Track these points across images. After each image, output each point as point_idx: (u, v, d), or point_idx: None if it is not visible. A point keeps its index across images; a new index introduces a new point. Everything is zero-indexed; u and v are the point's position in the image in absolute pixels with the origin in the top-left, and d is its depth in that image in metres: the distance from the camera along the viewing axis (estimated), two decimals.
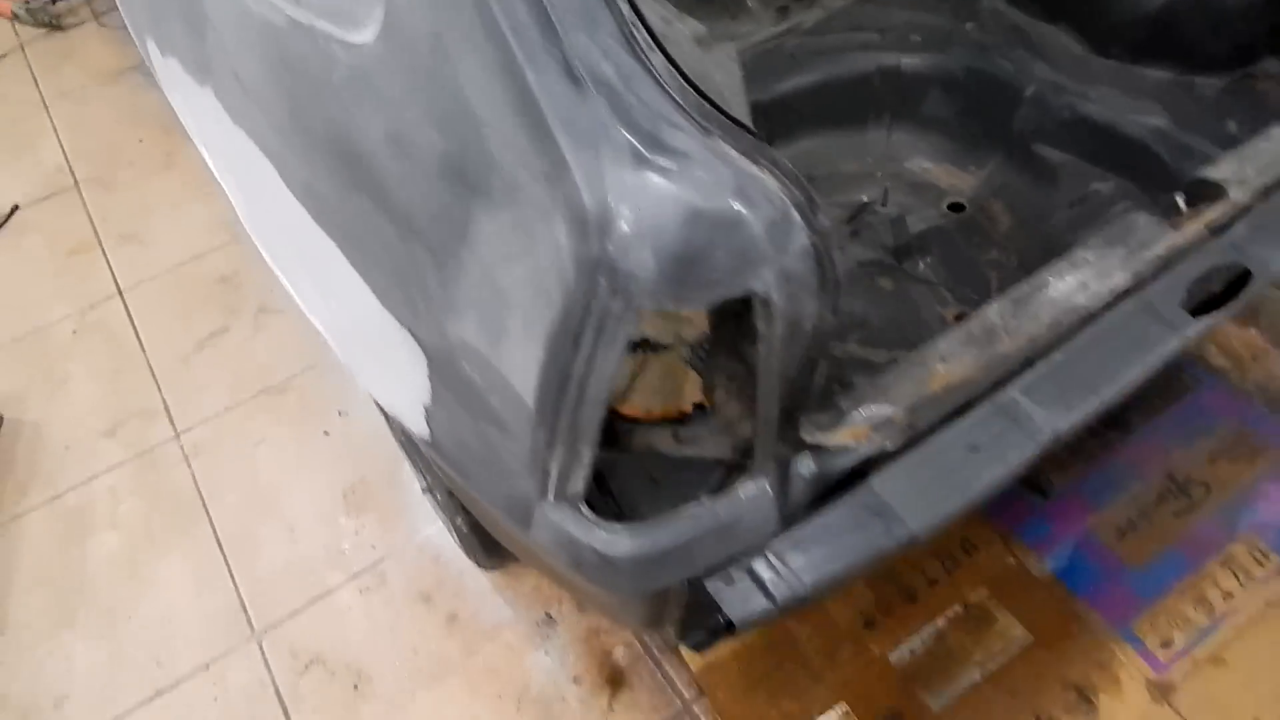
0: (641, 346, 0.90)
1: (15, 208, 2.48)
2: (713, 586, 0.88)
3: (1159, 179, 1.55)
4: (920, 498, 0.95)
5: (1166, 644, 1.55)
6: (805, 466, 0.88)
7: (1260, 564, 1.64)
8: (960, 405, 1.00)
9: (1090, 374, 1.04)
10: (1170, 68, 1.71)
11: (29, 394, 2.04)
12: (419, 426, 0.94)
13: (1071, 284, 1.03)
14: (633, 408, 0.93)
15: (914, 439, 0.97)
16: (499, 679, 1.57)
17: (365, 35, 0.74)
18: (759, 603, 0.88)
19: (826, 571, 0.90)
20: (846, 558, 0.91)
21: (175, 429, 1.96)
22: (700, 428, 0.89)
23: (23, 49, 3.05)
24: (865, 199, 1.76)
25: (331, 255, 0.94)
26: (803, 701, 1.52)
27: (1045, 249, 1.43)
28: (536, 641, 1.61)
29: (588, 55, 0.61)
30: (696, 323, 0.87)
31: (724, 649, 1.56)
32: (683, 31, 1.18)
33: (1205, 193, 1.12)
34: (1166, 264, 1.09)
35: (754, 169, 0.62)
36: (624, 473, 0.92)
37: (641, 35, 0.62)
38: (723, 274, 0.62)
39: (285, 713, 1.56)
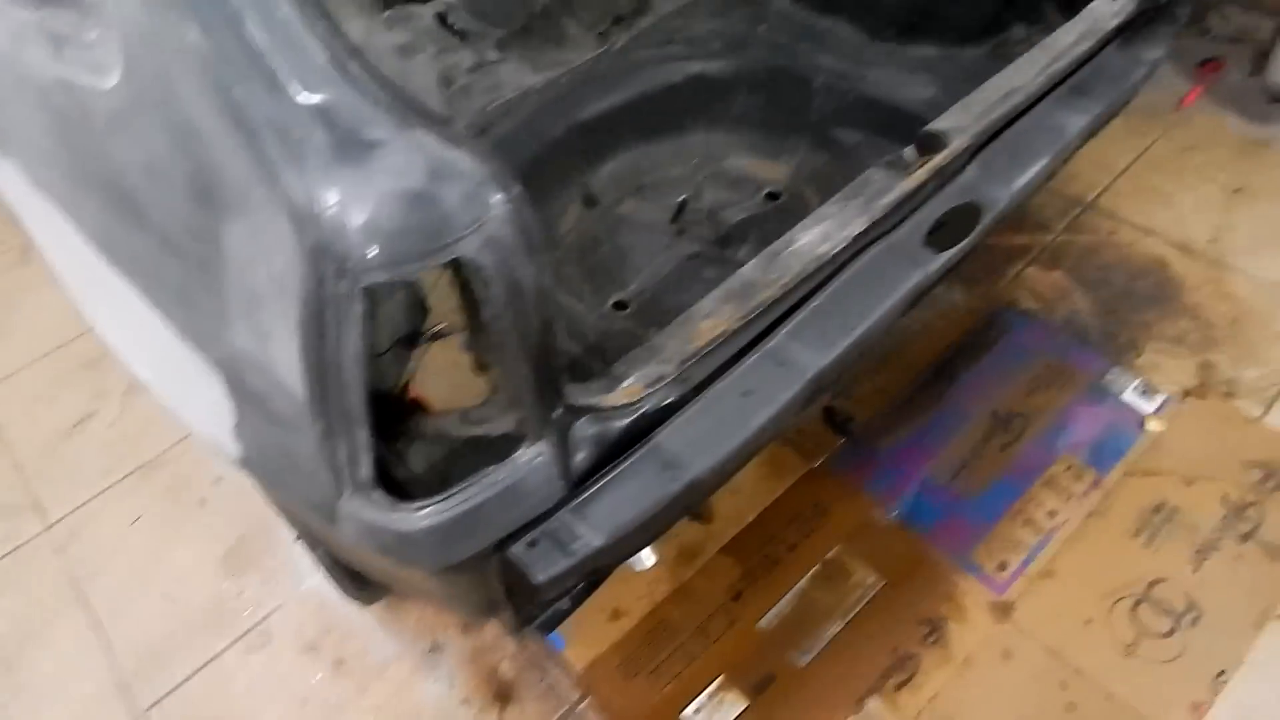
0: (424, 337, 0.99)
1: None
2: (516, 552, 0.97)
3: None
4: (700, 443, 1.05)
5: (1002, 566, 1.69)
6: (585, 428, 0.98)
7: (1078, 479, 1.80)
8: (732, 356, 1.12)
9: (848, 314, 1.18)
10: (935, 44, 1.91)
11: None
12: (232, 447, 1.01)
13: (816, 236, 1.16)
14: (431, 398, 1.02)
15: (692, 392, 1.08)
16: (391, 713, 1.61)
17: (112, 80, 0.82)
18: (560, 561, 0.96)
19: (619, 523, 1.00)
20: (636, 508, 1.01)
21: (46, 519, 1.95)
22: (487, 408, 0.97)
23: None
24: (684, 197, 1.89)
25: (130, 295, 1.00)
26: (682, 681, 1.59)
27: None
28: (425, 671, 1.65)
29: (290, 69, 0.70)
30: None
31: (604, 643, 1.63)
32: (386, 42, 1.32)
33: (931, 143, 1.28)
34: (901, 209, 1.24)
35: (447, 150, 0.72)
36: (423, 459, 1.00)
37: (339, 47, 0.71)
38: (430, 244, 0.71)
39: None
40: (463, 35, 2.05)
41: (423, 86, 1.61)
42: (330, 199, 0.70)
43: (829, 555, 1.73)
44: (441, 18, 2.07)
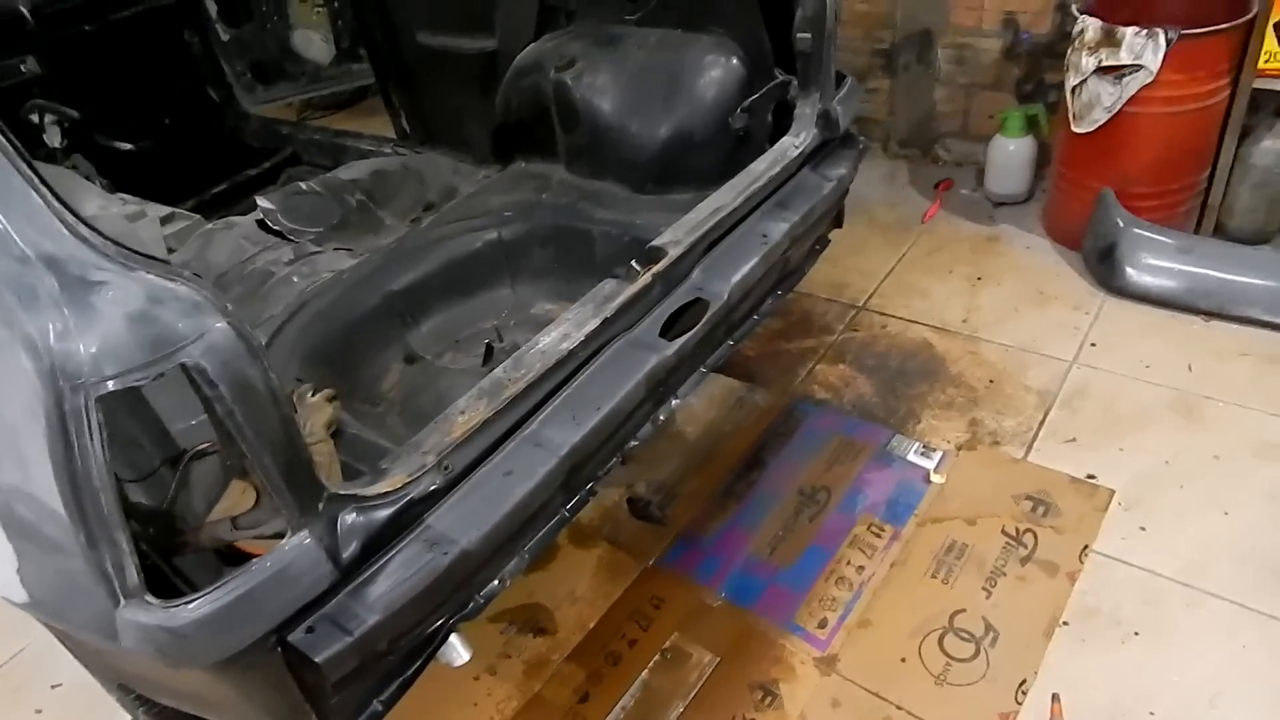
0: (187, 457, 1.11)
1: None
2: (295, 638, 1.05)
3: None
4: (467, 520, 1.19)
5: (822, 624, 1.83)
6: (350, 516, 1.10)
7: (879, 535, 1.99)
8: (492, 444, 1.28)
9: (594, 397, 1.37)
10: (688, 188, 2.25)
11: None
12: (17, 592, 1.07)
13: (556, 337, 1.37)
14: (208, 516, 1.13)
15: (456, 479, 1.23)
16: None
17: None
18: (338, 639, 1.06)
19: (395, 598, 1.11)
20: (410, 582, 1.13)
21: None
22: (257, 513, 1.09)
23: None
24: (488, 341, 2.10)
25: None
26: None
27: None
28: None
29: (20, 229, 0.87)
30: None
31: None
32: (117, 211, 1.61)
33: (653, 255, 1.54)
34: (634, 309, 1.47)
35: (166, 283, 0.89)
36: (206, 571, 1.09)
37: (68, 213, 0.89)
38: (153, 354, 0.86)
39: None
40: (282, 235, 2.28)
41: (148, 238, 1.94)
42: (57, 328, 0.85)
43: (666, 644, 1.82)
44: (261, 224, 2.31)
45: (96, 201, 1.82)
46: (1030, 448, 2.17)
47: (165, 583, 1.10)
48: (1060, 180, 2.83)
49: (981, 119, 3.20)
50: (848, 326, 2.67)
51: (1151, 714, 1.60)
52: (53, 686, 1.94)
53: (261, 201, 2.31)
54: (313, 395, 1.48)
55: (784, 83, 2.05)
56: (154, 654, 0.99)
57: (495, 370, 1.32)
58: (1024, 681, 1.68)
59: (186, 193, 2.83)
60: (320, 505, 1.06)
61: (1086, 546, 1.91)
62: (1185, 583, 1.81)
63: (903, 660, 1.74)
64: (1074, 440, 2.17)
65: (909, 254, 2.94)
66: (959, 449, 2.18)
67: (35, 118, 2.56)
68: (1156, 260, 2.56)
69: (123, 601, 0.97)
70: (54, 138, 2.60)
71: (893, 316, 2.68)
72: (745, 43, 2.11)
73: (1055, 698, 1.64)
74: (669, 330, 1.50)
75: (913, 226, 3.07)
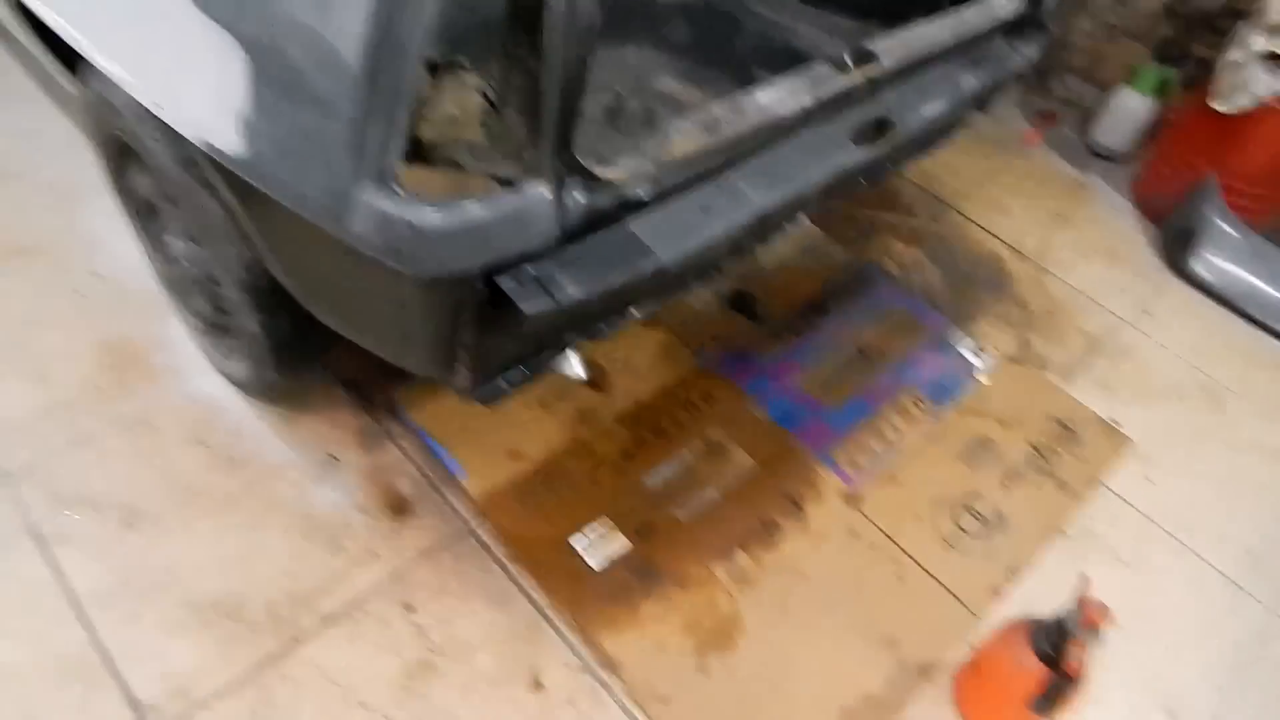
0: (437, 70, 1.06)
1: None
2: (506, 283, 1.06)
3: None
4: (667, 238, 1.19)
5: (855, 466, 1.93)
6: (578, 190, 1.09)
7: (919, 408, 2.09)
8: (694, 177, 1.27)
9: (786, 171, 1.36)
10: (852, 17, 2.18)
11: None
12: (232, 143, 1.03)
13: (772, 98, 1.34)
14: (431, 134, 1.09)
15: (660, 196, 1.22)
16: (284, 511, 1.61)
17: None
18: (544, 300, 1.07)
19: (597, 283, 1.12)
20: (611, 274, 1.13)
21: None
22: (493, 149, 1.06)
23: None
24: (619, 91, 2.03)
25: None
26: (571, 517, 1.71)
27: None
28: (320, 478, 1.66)
29: None
30: (487, 49, 1.04)
31: (501, 477, 1.72)
32: None
33: (865, 56, 1.50)
34: (835, 100, 1.44)
35: None
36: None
37: None
38: None
39: (45, 549, 1.48)
40: None
41: None
42: None
43: (711, 436, 1.90)
44: None
45: None
46: (1070, 380, 2.28)
47: None
48: (1168, 152, 2.84)
49: (1112, 65, 3.15)
50: (929, 216, 2.68)
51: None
52: (92, 273, 1.89)
53: None
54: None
55: None
56: (380, 245, 0.98)
57: (714, 107, 1.29)
58: (1016, 569, 1.83)
59: None
60: (564, 166, 1.05)
61: (1098, 478, 2.05)
62: (1175, 536, 1.98)
63: (918, 519, 1.87)
64: (1109, 389, 2.29)
65: (1001, 171, 2.94)
66: (1008, 360, 2.28)
67: None
68: (1227, 261, 2.64)
69: (368, 182, 0.95)
70: None
71: (973, 222, 2.70)
72: None
73: (1084, 577, 1.70)
74: (856, 135, 1.49)
75: (1010, 146, 3.06)
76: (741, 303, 2.18)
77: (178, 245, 1.57)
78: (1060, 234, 2.76)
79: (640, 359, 2.03)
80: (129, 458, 1.62)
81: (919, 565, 1.79)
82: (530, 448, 1.78)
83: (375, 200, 0.96)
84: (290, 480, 1.65)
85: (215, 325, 1.64)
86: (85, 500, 1.55)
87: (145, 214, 1.65)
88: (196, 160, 1.23)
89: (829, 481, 1.89)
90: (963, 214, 2.73)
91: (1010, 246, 2.65)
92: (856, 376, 2.11)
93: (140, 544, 1.52)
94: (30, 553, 1.49)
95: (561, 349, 1.38)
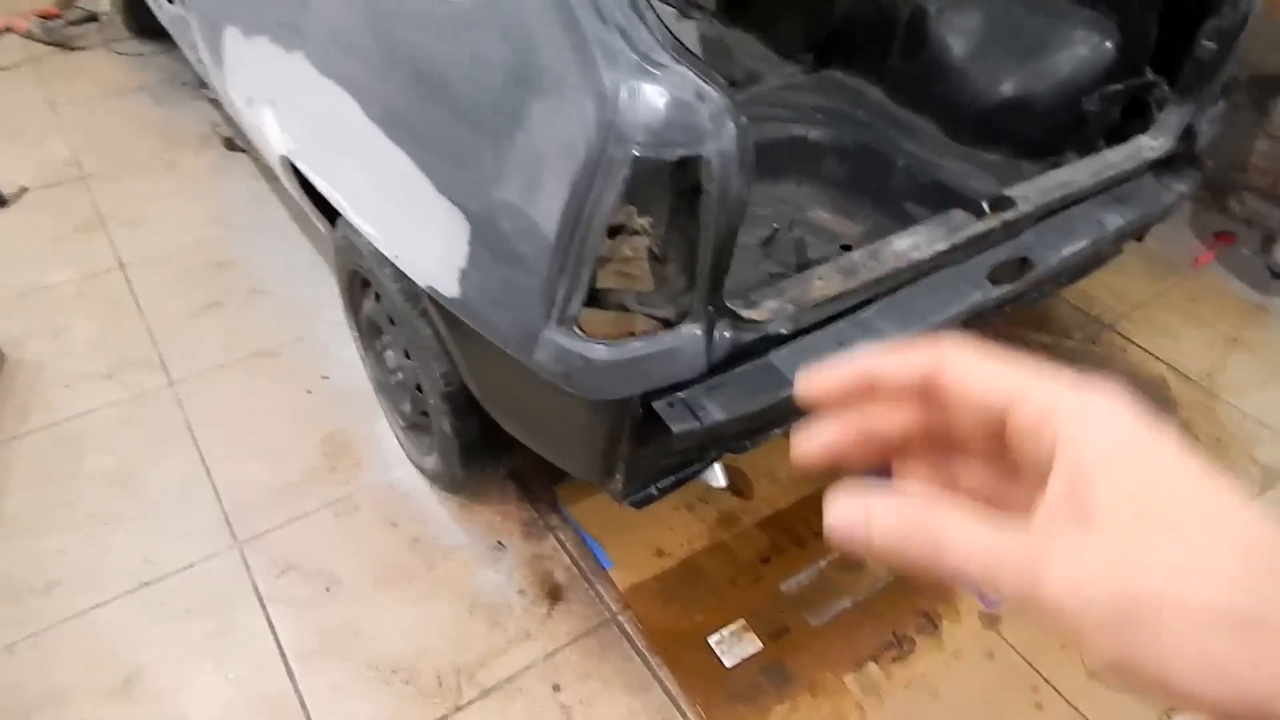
0: (617, 231, 1.28)
1: (25, 189, 2.72)
2: (660, 405, 1.24)
3: None
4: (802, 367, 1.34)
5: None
6: (725, 329, 1.26)
7: None
8: (832, 315, 1.41)
9: (922, 309, 1.48)
10: (1003, 153, 2.28)
11: (30, 339, 2.24)
12: (450, 288, 1.29)
13: (909, 243, 1.47)
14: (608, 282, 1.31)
15: (800, 331, 1.37)
16: (454, 588, 1.83)
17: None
18: (690, 420, 1.24)
19: (737, 407, 1.28)
20: (751, 400, 1.29)
21: (170, 377, 2.20)
22: (655, 296, 1.26)
23: (35, 62, 3.36)
24: (775, 225, 2.22)
25: (396, 159, 1.30)
26: (710, 615, 1.83)
27: None
28: (488, 561, 1.88)
29: (611, 11, 1.03)
30: (656, 216, 1.25)
31: (646, 572, 1.87)
32: (667, 10, 1.72)
33: (1003, 204, 1.61)
34: (972, 243, 1.55)
35: (703, 82, 1.04)
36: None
37: (642, 4, 1.04)
38: (685, 137, 1.02)
39: (263, 607, 1.77)
40: None
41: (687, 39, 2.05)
42: (625, 92, 1.01)
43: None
44: None
45: None
46: None
47: None
48: None
49: None
50: (1087, 337, 2.67)
51: None
52: (323, 377, 2.25)
53: None
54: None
55: (1153, 83, 2.03)
56: (559, 372, 1.19)
57: (854, 254, 1.44)
58: (1172, 710, 1.76)
59: None
60: (714, 310, 1.23)
61: None
62: None
63: (1063, 646, 1.85)
64: None
65: (1169, 292, 2.87)
66: None
67: None
68: None
69: (554, 324, 1.17)
70: None
71: (1135, 344, 2.66)
72: (1126, 30, 2.08)
73: None
74: (993, 274, 1.59)
75: (1180, 266, 2.99)
76: None
77: (393, 358, 1.87)
78: (1234, 358, 2.65)
79: (782, 468, 2.14)
80: (335, 533, 1.90)
81: (1060, 695, 1.76)
82: (674, 546, 1.92)
83: (557, 337, 1.17)
84: (462, 561, 1.87)
85: (415, 425, 1.93)
86: (297, 567, 1.84)
87: (369, 331, 1.97)
88: (419, 295, 1.51)
89: (968, 602, 1.91)
90: (1124, 335, 2.69)
91: (1175, 370, 2.58)
92: None
93: (337, 608, 1.78)
94: (253, 606, 1.77)
95: (708, 462, 1.54)
